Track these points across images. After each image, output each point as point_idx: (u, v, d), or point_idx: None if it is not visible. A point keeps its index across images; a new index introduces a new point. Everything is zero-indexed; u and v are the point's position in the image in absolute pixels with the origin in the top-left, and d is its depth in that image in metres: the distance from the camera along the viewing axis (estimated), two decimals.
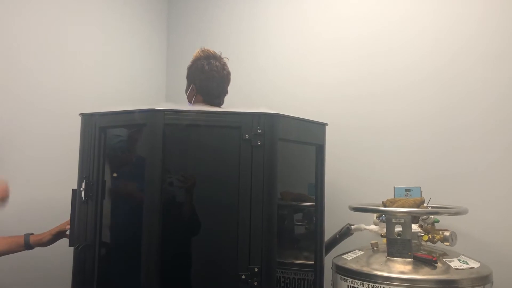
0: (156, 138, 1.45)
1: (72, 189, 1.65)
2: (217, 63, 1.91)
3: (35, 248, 1.88)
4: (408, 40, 2.22)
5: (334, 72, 2.42)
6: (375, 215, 1.91)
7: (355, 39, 2.37)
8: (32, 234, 1.86)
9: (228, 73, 1.95)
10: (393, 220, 1.66)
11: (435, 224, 1.80)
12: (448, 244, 1.72)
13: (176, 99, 2.76)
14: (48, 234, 1.85)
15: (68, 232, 1.80)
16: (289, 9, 2.61)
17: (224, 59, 1.96)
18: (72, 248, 1.60)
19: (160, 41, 3.08)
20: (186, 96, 1.97)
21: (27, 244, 1.83)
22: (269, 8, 2.69)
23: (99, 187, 1.58)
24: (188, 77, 1.97)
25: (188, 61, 2.00)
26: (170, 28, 3.12)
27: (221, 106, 1.96)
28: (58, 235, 1.86)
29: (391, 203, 1.78)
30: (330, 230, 1.94)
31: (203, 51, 1.94)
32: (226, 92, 1.97)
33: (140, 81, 2.89)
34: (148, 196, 1.44)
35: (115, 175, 1.62)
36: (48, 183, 2.28)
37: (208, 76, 1.89)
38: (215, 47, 2.00)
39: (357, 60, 2.35)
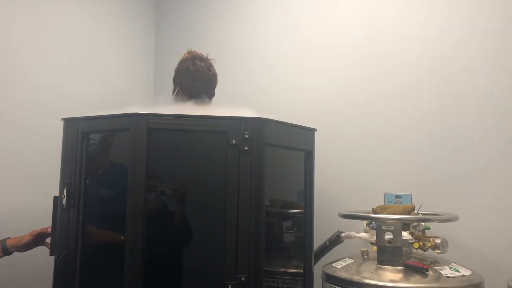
0: (140, 143, 1.41)
1: (54, 196, 1.61)
2: (202, 64, 1.88)
3: (14, 259, 1.82)
4: (397, 45, 2.20)
5: (324, 78, 2.40)
6: (365, 222, 1.88)
7: (345, 44, 2.35)
8: (8, 238, 1.79)
9: (214, 75, 1.92)
10: (384, 228, 1.63)
11: (426, 231, 1.78)
12: (439, 251, 1.69)
13: (164, 104, 2.72)
14: (29, 235, 1.78)
15: (48, 240, 1.74)
16: (280, 14, 2.59)
17: (211, 60, 1.93)
18: (52, 258, 1.55)
19: (148, 45, 3.05)
20: (172, 99, 1.93)
21: (4, 248, 1.76)
22: (260, 12, 2.67)
23: (81, 194, 1.53)
24: (174, 79, 1.94)
25: (176, 65, 1.97)
26: (159, 31, 3.10)
27: (209, 109, 1.92)
28: (39, 236, 1.78)
29: (381, 210, 1.76)
30: (319, 237, 1.91)
31: (189, 52, 1.92)
32: (212, 94, 1.93)
33: (127, 85, 2.85)
34: (131, 203, 1.40)
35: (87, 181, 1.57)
36: (30, 189, 2.23)
37: (193, 76, 1.86)
38: (204, 51, 1.97)
39: (347, 65, 2.33)
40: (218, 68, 1.97)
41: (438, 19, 2.12)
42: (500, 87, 1.96)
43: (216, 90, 1.96)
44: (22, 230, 1.82)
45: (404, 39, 2.19)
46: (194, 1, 2.96)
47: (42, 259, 1.72)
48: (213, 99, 1.94)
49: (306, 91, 2.44)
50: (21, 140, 2.23)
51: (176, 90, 1.90)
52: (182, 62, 1.91)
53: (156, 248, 1.43)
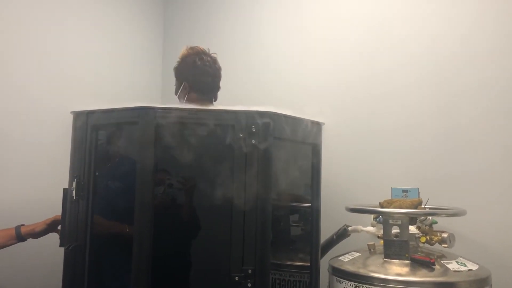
0: (148, 136, 1.42)
1: (63, 189, 1.63)
2: (209, 58, 1.90)
3: (25, 249, 1.85)
4: (402, 41, 2.19)
5: (329, 73, 2.40)
6: (372, 216, 1.88)
7: (351, 40, 2.35)
8: (23, 225, 1.82)
9: (220, 68, 1.94)
10: (390, 221, 1.63)
11: (433, 225, 1.77)
12: (446, 246, 1.69)
13: (171, 100, 2.74)
14: (42, 224, 1.80)
15: (59, 227, 1.76)
16: (283, 11, 2.59)
17: (213, 54, 1.94)
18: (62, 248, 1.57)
19: (156, 42, 3.06)
20: (176, 97, 1.94)
21: (19, 235, 1.78)
22: (264, 9, 2.67)
23: (90, 187, 1.55)
24: (178, 76, 1.94)
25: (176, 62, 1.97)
26: (166, 28, 3.11)
27: (214, 103, 1.94)
28: (52, 224, 1.80)
29: (388, 204, 1.75)
30: (326, 231, 1.91)
31: (191, 48, 1.92)
32: (219, 88, 1.95)
33: (135, 82, 2.87)
34: (139, 196, 1.41)
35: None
36: (40, 182, 2.26)
37: (201, 71, 1.87)
38: (210, 48, 1.98)
39: (353, 61, 2.33)
40: (221, 65, 1.98)
41: (444, 15, 2.10)
42: (508, 83, 1.94)
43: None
44: (33, 219, 1.84)
45: (411, 35, 2.18)
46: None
47: (53, 250, 1.74)
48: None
49: (311, 86, 2.44)
50: (32, 134, 2.26)
51: (182, 86, 1.90)
52: (186, 57, 1.91)
53: (163, 240, 1.45)
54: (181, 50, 1.95)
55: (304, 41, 2.51)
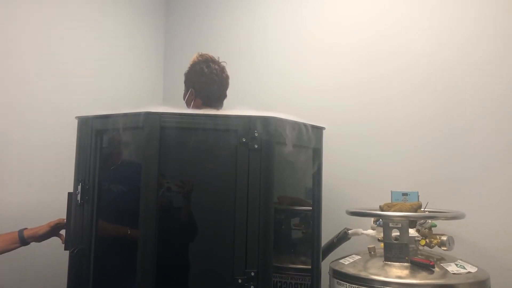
0: (153, 141, 1.45)
1: (68, 193, 1.64)
2: (216, 66, 1.92)
3: (30, 253, 1.86)
4: (405, 45, 2.22)
5: (331, 77, 2.42)
6: (372, 219, 1.90)
7: (353, 44, 2.37)
8: (25, 228, 1.83)
9: (227, 77, 1.96)
10: (390, 225, 1.65)
11: (433, 228, 1.79)
12: (445, 248, 1.71)
13: (173, 104, 2.76)
14: (46, 226, 1.81)
15: (62, 232, 1.78)
16: (288, 15, 2.62)
17: (222, 63, 1.96)
18: (67, 252, 1.59)
19: (157, 46, 3.08)
20: (184, 102, 1.96)
21: (22, 239, 1.79)
22: (268, 13, 2.70)
23: (95, 191, 1.57)
24: (186, 81, 1.97)
25: (185, 66, 2.00)
26: (168, 32, 3.13)
27: (220, 110, 1.96)
28: (56, 227, 1.82)
29: (388, 207, 1.77)
30: (327, 234, 1.93)
31: (201, 55, 1.95)
32: (225, 96, 1.97)
33: (137, 85, 2.89)
34: (144, 200, 1.43)
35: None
36: (45, 186, 2.28)
37: (208, 79, 1.90)
38: (212, 52, 2.01)
39: (355, 65, 2.35)
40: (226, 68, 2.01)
41: (445, 20, 2.13)
42: (506, 89, 1.97)
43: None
44: (38, 223, 1.86)
45: (411, 39, 2.20)
46: (202, 2, 2.99)
47: (57, 253, 1.76)
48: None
49: (313, 91, 2.47)
50: (36, 139, 2.28)
51: (189, 92, 1.93)
52: (195, 64, 1.93)
53: (166, 243, 1.46)
54: (192, 56, 1.98)
55: (307, 44, 2.53)
